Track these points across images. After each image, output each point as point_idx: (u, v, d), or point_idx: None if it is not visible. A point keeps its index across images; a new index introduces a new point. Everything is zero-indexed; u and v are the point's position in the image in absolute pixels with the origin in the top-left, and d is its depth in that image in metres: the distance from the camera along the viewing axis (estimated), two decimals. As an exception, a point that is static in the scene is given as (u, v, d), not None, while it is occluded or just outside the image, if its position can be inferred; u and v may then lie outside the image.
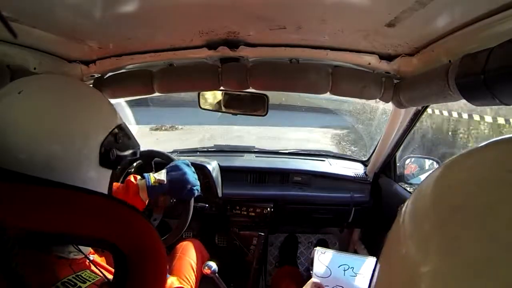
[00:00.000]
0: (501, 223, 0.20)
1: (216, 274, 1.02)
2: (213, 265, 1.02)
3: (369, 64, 0.84)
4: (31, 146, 0.44)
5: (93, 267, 0.51)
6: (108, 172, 0.53)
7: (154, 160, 1.15)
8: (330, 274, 0.75)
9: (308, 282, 0.76)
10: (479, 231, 0.21)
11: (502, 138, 0.26)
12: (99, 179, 0.52)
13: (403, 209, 0.29)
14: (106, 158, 0.51)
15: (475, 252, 0.20)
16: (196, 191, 0.96)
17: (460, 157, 0.28)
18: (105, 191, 0.54)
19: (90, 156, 0.49)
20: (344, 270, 0.76)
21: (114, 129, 0.53)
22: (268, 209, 1.40)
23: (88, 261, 0.51)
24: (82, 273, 0.47)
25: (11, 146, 0.43)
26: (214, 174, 1.37)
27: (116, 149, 0.52)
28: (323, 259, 0.77)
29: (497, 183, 0.22)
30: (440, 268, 0.22)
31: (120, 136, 0.53)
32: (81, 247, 0.50)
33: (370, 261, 0.79)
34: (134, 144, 0.59)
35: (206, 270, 1.01)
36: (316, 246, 1.70)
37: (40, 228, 0.40)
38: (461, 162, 0.28)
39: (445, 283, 0.21)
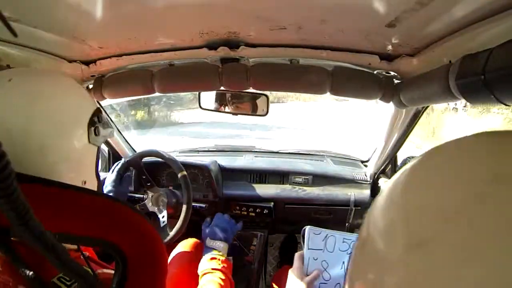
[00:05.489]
0: (471, 224, 0.20)
1: None
2: None
3: (370, 64, 0.84)
4: (25, 129, 0.46)
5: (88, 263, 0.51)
6: (95, 149, 0.59)
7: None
8: (324, 248, 0.77)
9: (297, 254, 0.77)
10: (447, 230, 0.21)
11: (476, 134, 0.26)
12: (88, 155, 0.58)
13: (374, 201, 0.29)
14: (94, 135, 0.57)
15: (444, 251, 0.20)
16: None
17: (431, 152, 0.28)
18: (93, 168, 0.60)
19: (81, 134, 0.55)
20: (334, 244, 0.78)
21: (95, 110, 0.59)
22: (268, 209, 1.40)
23: (82, 257, 0.52)
24: None
25: (4, 134, 0.44)
26: (214, 174, 1.37)
27: (100, 127, 0.59)
28: (317, 235, 0.79)
29: (468, 180, 0.22)
30: (408, 265, 0.21)
31: (101, 116, 0.60)
32: None
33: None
34: (111, 124, 0.68)
35: None
36: None
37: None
38: (430, 157, 0.27)
39: (411, 281, 0.21)
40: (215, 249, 0.99)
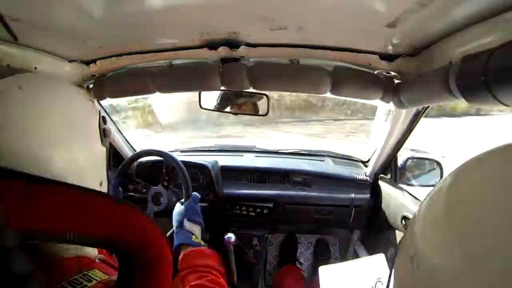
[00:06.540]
0: None
1: (231, 246, 1.12)
2: (232, 236, 1.13)
3: (370, 64, 0.83)
4: (41, 139, 0.43)
5: (102, 266, 0.51)
6: (105, 150, 0.58)
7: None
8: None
9: None
10: (496, 239, 0.21)
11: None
12: (103, 157, 0.57)
13: (416, 217, 0.28)
14: (103, 137, 0.56)
15: (496, 260, 0.20)
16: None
17: (472, 163, 0.27)
18: (105, 168, 0.58)
19: (94, 137, 0.53)
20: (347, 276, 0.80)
21: (99, 111, 0.57)
22: (268, 209, 1.40)
23: (97, 260, 0.52)
24: (90, 272, 0.47)
25: (18, 143, 0.43)
26: (214, 174, 1.37)
27: (106, 128, 0.57)
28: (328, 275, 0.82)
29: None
30: (459, 277, 0.21)
31: (104, 116, 0.58)
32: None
33: (367, 261, 0.81)
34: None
35: (226, 241, 1.12)
36: (316, 247, 1.72)
37: (47, 229, 0.39)
38: (474, 168, 0.27)
39: None
40: (194, 234, 0.87)
